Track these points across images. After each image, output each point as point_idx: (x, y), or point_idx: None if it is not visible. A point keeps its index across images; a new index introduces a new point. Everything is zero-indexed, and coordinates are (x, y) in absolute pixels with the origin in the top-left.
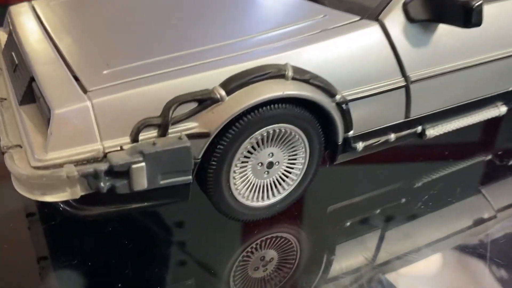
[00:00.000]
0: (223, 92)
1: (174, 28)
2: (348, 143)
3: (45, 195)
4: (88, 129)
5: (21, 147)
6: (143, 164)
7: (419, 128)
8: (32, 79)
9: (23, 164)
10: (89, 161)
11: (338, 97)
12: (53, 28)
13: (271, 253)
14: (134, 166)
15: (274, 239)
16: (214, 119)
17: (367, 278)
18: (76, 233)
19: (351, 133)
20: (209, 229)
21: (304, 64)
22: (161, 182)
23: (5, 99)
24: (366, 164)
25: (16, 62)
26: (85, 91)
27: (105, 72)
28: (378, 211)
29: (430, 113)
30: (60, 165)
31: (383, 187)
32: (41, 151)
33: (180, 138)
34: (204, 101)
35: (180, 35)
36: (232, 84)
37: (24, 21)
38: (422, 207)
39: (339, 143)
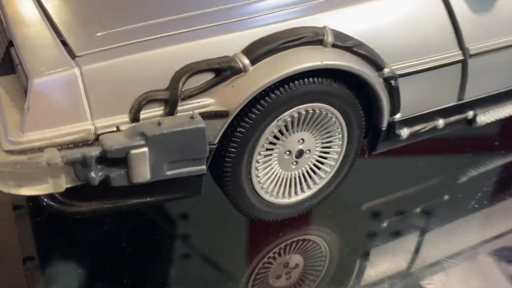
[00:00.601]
0: (246, 61)
1: None
2: (392, 129)
3: (20, 187)
4: (75, 104)
5: None
6: (145, 149)
7: (470, 114)
8: (11, 44)
9: None
10: (76, 144)
11: (386, 70)
12: None
13: (296, 259)
14: (133, 151)
15: (299, 242)
16: (235, 94)
17: (403, 286)
18: (68, 229)
19: (398, 116)
20: (222, 229)
21: (346, 29)
22: (168, 173)
23: None
24: (405, 155)
25: None
26: (73, 56)
27: (98, 34)
28: (418, 209)
29: (485, 95)
30: (40, 149)
31: (424, 182)
32: (16, 131)
33: (192, 117)
34: (222, 71)
35: None
36: (258, 51)
37: None
38: (467, 205)
39: (383, 129)
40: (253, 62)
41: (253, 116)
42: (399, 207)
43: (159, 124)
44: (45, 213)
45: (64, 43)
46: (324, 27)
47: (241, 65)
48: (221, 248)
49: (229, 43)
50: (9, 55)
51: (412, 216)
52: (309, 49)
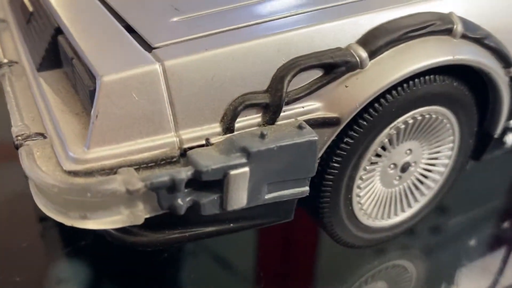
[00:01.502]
0: (364, 54)
1: None
2: (504, 135)
3: (86, 219)
4: (156, 110)
5: (45, 137)
6: (246, 169)
7: None
8: (58, 31)
9: (49, 165)
10: (157, 162)
11: None
12: None
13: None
14: (233, 172)
15: (386, 269)
16: (349, 97)
17: None
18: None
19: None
20: (300, 254)
21: (469, 16)
22: (267, 196)
23: (16, 62)
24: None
25: (31, 9)
26: (149, 48)
27: (175, 19)
28: None
29: None
30: (111, 170)
31: None
32: (78, 146)
33: (300, 126)
34: (334, 67)
35: None
36: (378, 42)
37: None
38: None
39: (495, 136)
40: (372, 55)
41: (364, 123)
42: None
43: (262, 136)
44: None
45: (130, 29)
46: (451, 13)
47: (358, 60)
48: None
49: (342, 31)
50: (54, 46)
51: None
52: (436, 40)
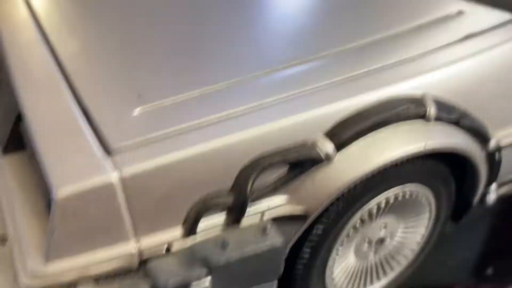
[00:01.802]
0: (330, 147)
1: (235, 35)
2: (482, 198)
3: None
4: (114, 219)
5: (4, 239)
6: (208, 281)
7: None
8: (20, 118)
9: (7, 276)
10: (118, 274)
11: (492, 143)
12: (51, 29)
13: None
14: (195, 283)
15: None
16: (316, 191)
17: None
18: None
19: (493, 187)
20: None
21: (443, 93)
22: None
23: None
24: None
25: None
26: (108, 150)
27: (136, 111)
28: None
29: None
30: (71, 284)
31: None
32: (38, 258)
33: (264, 230)
34: (300, 163)
35: (246, 45)
36: (345, 133)
37: (11, 12)
38: None
39: (474, 202)
40: (339, 147)
41: (334, 212)
42: None
43: (223, 246)
44: None
45: (89, 119)
46: (423, 95)
47: (323, 153)
48: None
49: (308, 124)
50: (17, 128)
51: None
52: (408, 126)
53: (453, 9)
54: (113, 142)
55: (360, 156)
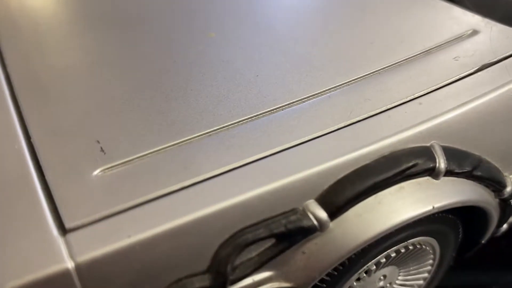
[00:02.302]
0: (323, 214)
1: (214, 72)
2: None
3: None
4: None
5: None
6: None
7: None
8: None
9: None
10: None
11: (508, 190)
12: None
13: None
14: None
15: None
16: (307, 265)
17: None
18: None
19: (504, 227)
20: None
21: (454, 139)
22: None
23: None
24: None
25: None
26: (63, 229)
27: (97, 172)
28: None
29: None
30: None
31: None
32: None
33: None
34: (288, 235)
35: (224, 84)
36: (340, 198)
37: None
38: None
39: (483, 241)
40: (334, 215)
41: (329, 279)
42: None
43: None
44: None
45: (42, 174)
46: (432, 146)
47: (316, 223)
48: None
49: (297, 189)
50: None
51: None
52: (414, 186)
53: (465, 27)
54: (69, 219)
55: (358, 223)
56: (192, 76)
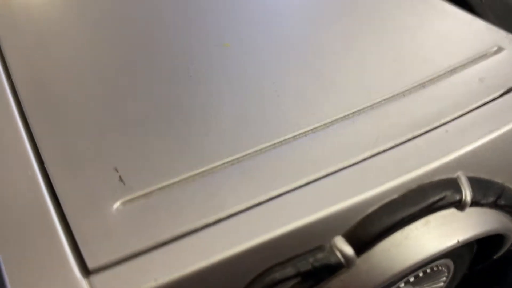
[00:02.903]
0: (350, 251)
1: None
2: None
3: None
4: None
5: None
6: None
7: None
8: None
9: None
10: None
11: None
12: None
13: None
14: None
15: None
16: None
17: None
18: None
19: None
20: None
21: (480, 168)
22: None
23: None
24: None
25: None
26: (86, 270)
27: (117, 205)
28: None
29: None
30: None
31: None
32: None
33: None
34: (315, 273)
35: (243, 110)
36: (367, 234)
37: None
38: None
39: (495, 256)
40: (361, 251)
41: None
42: None
43: None
44: None
45: (60, 207)
46: (459, 178)
47: (342, 259)
48: None
49: (324, 225)
50: None
51: None
52: (439, 219)
53: (489, 43)
54: (91, 258)
55: (385, 259)
56: (209, 93)
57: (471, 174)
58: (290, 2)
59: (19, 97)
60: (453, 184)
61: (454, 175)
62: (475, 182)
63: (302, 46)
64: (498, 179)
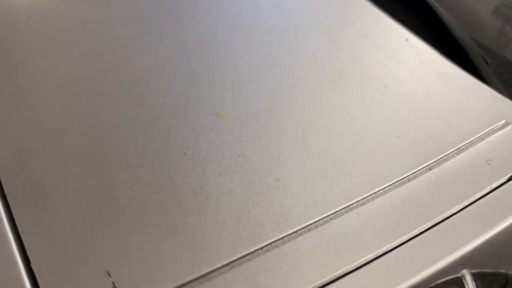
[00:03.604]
0: None
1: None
2: None
3: None
4: None
5: None
6: None
7: None
8: None
9: None
10: None
11: None
12: None
13: None
14: None
15: None
16: None
17: None
18: None
19: None
20: None
21: (485, 258)
22: None
23: None
24: None
25: None
26: None
27: None
28: None
29: None
30: None
31: None
32: None
33: None
34: None
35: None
36: None
37: None
38: None
39: None
40: None
41: None
42: None
43: None
44: None
45: None
46: (462, 276)
47: None
48: None
49: None
50: None
51: None
52: None
53: (496, 116)
54: None
55: None
56: (206, 177)
57: (476, 270)
58: (284, 71)
59: (2, 183)
60: (458, 284)
61: (459, 274)
62: (479, 278)
63: (299, 120)
64: (502, 269)
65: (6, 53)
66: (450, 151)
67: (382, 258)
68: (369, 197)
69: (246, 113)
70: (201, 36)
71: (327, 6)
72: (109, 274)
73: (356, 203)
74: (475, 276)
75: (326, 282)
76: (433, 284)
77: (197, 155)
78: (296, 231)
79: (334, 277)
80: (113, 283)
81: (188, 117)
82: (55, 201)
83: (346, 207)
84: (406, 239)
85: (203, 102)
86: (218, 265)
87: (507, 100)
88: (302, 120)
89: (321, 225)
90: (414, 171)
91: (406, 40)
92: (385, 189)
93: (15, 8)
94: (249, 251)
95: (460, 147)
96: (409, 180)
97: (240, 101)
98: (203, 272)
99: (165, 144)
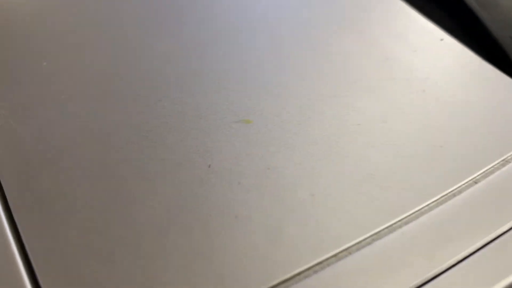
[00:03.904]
0: None
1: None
2: None
3: None
4: None
5: None
6: None
7: None
8: None
9: None
10: None
11: None
12: None
13: None
14: None
15: None
16: None
17: None
18: None
19: None
20: None
21: None
22: None
23: None
24: None
25: None
26: None
27: None
28: None
29: None
30: None
31: None
32: None
33: None
34: None
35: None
36: None
37: None
38: None
39: None
40: None
41: None
42: None
43: None
44: None
45: None
46: None
47: None
48: None
49: None
50: None
51: None
52: None
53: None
54: None
55: None
56: (233, 193)
57: None
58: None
59: (10, 207)
60: None
61: None
62: None
63: (334, 128)
64: None
65: (10, 55)
66: (496, 162)
67: (431, 283)
68: (413, 214)
69: (273, 120)
70: (222, 36)
71: (355, 4)
72: None
73: (399, 222)
74: None
75: None
76: None
77: (222, 167)
78: (335, 255)
79: None
80: None
81: (210, 125)
82: (68, 223)
83: (389, 226)
84: (455, 262)
85: (226, 109)
86: None
87: None
88: (335, 128)
89: (363, 247)
90: (459, 185)
91: (441, 40)
92: (429, 206)
93: (18, 9)
94: (285, 277)
95: (507, 157)
96: (454, 195)
97: (267, 107)
98: None
99: (186, 155)
